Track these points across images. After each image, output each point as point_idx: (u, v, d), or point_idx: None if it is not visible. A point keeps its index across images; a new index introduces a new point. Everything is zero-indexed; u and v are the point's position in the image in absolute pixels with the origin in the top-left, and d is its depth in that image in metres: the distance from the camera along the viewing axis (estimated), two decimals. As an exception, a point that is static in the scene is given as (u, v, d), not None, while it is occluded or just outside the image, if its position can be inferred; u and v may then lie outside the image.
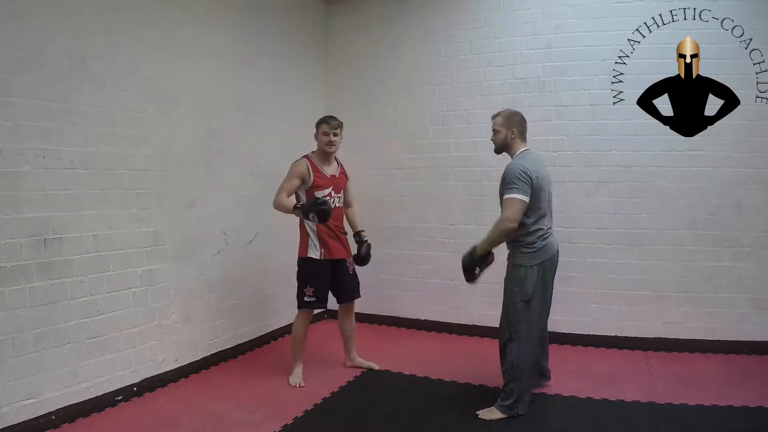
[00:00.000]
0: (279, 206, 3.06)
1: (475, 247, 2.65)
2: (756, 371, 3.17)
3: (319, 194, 3.09)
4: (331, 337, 4.01)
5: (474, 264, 2.64)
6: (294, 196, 3.12)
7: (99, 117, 2.70)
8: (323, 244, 3.10)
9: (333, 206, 3.11)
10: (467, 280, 2.73)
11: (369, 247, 3.33)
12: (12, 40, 2.32)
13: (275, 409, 2.77)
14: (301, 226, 3.16)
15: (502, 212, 2.54)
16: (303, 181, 3.09)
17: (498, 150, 2.76)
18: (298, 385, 3.07)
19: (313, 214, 2.92)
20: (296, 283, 3.17)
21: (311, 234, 3.10)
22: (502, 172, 2.64)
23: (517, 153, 2.65)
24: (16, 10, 2.33)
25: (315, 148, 3.21)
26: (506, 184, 2.54)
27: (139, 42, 2.89)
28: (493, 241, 2.58)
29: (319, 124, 3.18)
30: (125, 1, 2.82)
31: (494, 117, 2.74)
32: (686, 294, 3.58)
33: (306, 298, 3.10)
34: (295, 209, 3.00)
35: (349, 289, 3.27)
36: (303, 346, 3.19)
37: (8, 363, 2.32)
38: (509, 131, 2.66)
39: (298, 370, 3.17)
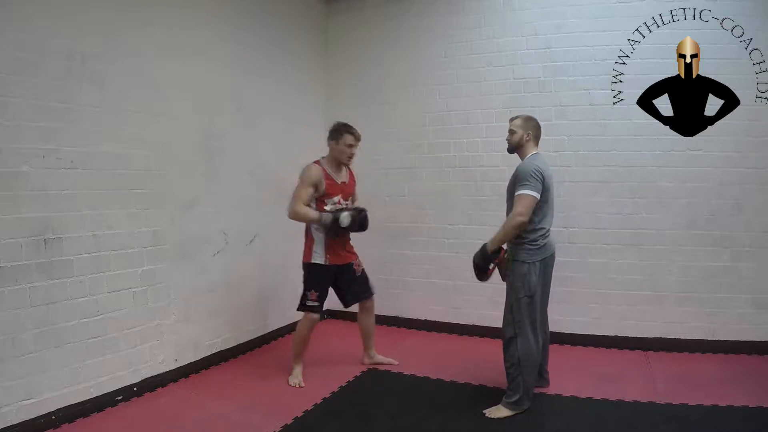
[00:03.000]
0: (298, 216, 3.02)
1: (485, 245, 2.68)
2: (756, 371, 3.17)
3: (328, 201, 3.07)
4: (331, 337, 4.01)
5: (487, 261, 2.66)
6: None
7: (99, 117, 2.70)
8: (329, 250, 3.09)
9: None
10: (480, 279, 2.74)
11: (352, 215, 3.02)
12: (12, 40, 2.32)
13: (275, 409, 2.77)
14: (307, 231, 3.15)
15: (513, 208, 2.59)
16: (315, 188, 3.05)
17: (511, 150, 2.84)
18: (298, 385, 3.07)
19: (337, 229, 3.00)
20: (300, 285, 3.16)
21: (316, 240, 3.09)
22: (506, 171, 2.68)
23: (529, 155, 2.74)
24: (16, 10, 2.33)
25: (326, 154, 3.17)
26: (519, 180, 2.62)
27: (139, 42, 2.89)
28: (505, 235, 2.62)
29: (341, 133, 3.08)
30: (125, 1, 2.81)
31: (513, 118, 2.85)
32: (686, 294, 3.58)
33: (308, 302, 3.08)
34: (321, 223, 3.00)
35: (358, 291, 3.26)
36: (305, 349, 3.19)
37: (8, 363, 2.32)
38: (525, 133, 2.76)
39: (299, 370, 3.16)
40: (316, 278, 3.09)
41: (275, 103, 3.99)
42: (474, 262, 2.72)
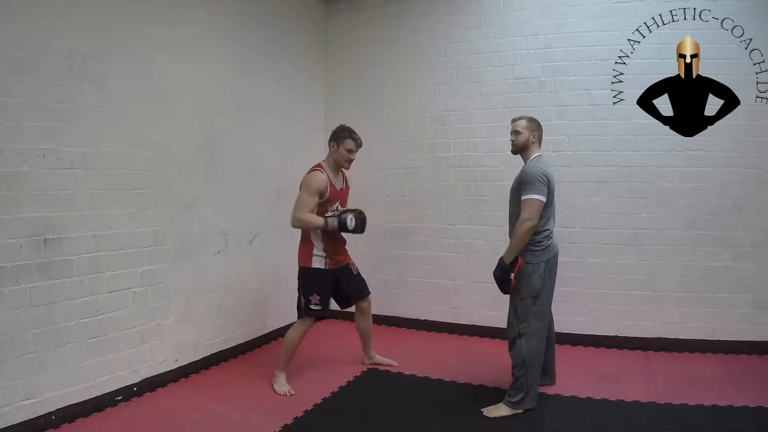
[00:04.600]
0: (304, 223, 2.96)
1: (501, 259, 2.65)
2: (756, 371, 3.17)
3: (330, 209, 3.04)
4: (330, 337, 4.01)
5: (507, 273, 2.62)
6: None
7: (99, 117, 2.70)
8: (329, 254, 3.07)
9: None
10: (504, 292, 2.71)
11: (356, 216, 3.01)
12: (12, 40, 2.32)
13: (275, 409, 2.77)
14: (305, 236, 3.11)
15: (522, 213, 2.57)
16: (320, 195, 2.99)
17: (516, 151, 2.80)
18: (288, 393, 2.97)
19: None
20: (297, 288, 3.12)
21: (316, 246, 3.05)
22: (506, 171, 2.66)
23: (532, 157, 2.71)
24: (16, 10, 2.33)
25: (326, 157, 3.14)
26: (525, 185, 2.59)
27: (139, 42, 2.89)
28: (518, 244, 2.58)
29: (343, 138, 3.05)
30: (125, 1, 2.81)
31: (517, 119, 2.79)
32: (686, 294, 3.58)
33: (312, 306, 3.03)
34: (328, 228, 2.96)
35: (357, 289, 3.26)
36: (294, 355, 3.12)
37: (8, 363, 2.32)
38: (531, 134, 2.73)
39: (284, 377, 3.06)
40: (317, 282, 3.05)
41: (275, 103, 3.99)
42: (495, 276, 2.68)
